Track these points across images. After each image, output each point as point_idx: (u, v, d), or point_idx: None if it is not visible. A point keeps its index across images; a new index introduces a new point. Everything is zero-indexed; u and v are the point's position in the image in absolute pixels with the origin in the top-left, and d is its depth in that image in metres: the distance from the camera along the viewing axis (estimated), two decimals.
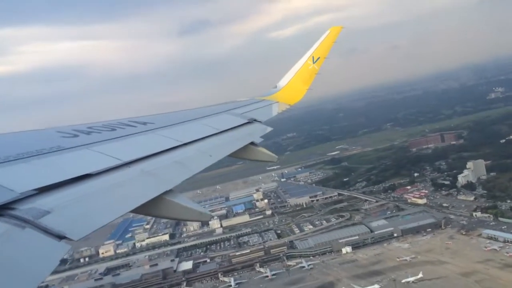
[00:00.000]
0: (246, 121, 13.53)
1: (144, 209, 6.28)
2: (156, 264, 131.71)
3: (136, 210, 6.13)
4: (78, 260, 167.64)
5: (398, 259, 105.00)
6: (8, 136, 7.49)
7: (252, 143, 11.87)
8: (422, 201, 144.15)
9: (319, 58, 20.91)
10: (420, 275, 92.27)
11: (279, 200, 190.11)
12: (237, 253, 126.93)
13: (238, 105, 16.69)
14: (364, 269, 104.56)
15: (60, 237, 4.46)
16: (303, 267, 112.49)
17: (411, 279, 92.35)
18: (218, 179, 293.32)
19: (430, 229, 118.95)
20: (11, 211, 4.58)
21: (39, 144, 6.90)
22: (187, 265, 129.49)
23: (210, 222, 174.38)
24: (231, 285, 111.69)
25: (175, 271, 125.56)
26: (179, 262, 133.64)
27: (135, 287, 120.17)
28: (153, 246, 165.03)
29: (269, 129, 13.85)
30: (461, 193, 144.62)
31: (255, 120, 14.07)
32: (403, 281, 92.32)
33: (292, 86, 20.96)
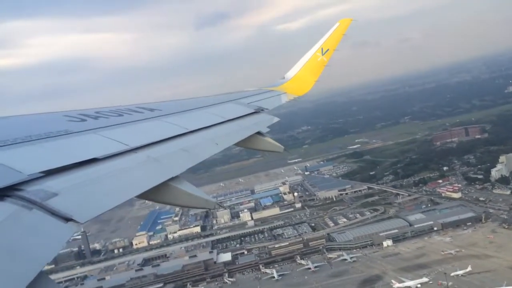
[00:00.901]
0: (253, 110, 13.51)
1: (150, 195, 6.44)
2: (195, 256, 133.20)
3: (142, 196, 6.29)
4: (112, 251, 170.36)
5: (442, 253, 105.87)
6: (17, 119, 7.53)
7: (258, 133, 11.90)
8: (457, 195, 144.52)
9: (328, 50, 20.87)
10: (469, 268, 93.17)
11: (307, 193, 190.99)
12: (276, 245, 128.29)
13: (245, 94, 16.67)
14: (409, 262, 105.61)
15: (67, 219, 4.59)
16: (345, 259, 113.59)
17: (460, 272, 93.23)
18: (239, 172, 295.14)
19: (470, 223, 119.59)
20: (18, 192, 4.66)
21: (47, 127, 6.97)
22: (226, 256, 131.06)
23: (240, 215, 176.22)
24: (274, 277, 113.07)
25: (215, 262, 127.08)
26: (217, 253, 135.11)
27: (177, 278, 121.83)
28: (186, 238, 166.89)
29: (276, 119, 13.86)
30: (495, 187, 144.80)
31: (262, 110, 14.10)
32: (452, 274, 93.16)
33: (300, 77, 20.90)
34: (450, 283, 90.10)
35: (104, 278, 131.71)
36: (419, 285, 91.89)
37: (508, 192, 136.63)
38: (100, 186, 5.71)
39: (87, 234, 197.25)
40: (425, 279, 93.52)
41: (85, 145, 6.89)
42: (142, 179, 6.47)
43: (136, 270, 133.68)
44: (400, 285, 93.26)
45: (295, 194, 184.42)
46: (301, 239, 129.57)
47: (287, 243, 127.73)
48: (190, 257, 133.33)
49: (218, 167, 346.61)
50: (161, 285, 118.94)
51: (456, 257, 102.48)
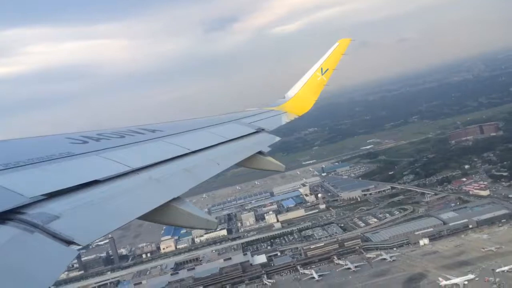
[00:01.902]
0: (254, 130, 13.59)
1: (152, 216, 6.45)
2: (230, 258, 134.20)
3: (144, 217, 6.27)
4: (140, 255, 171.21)
5: (483, 250, 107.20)
6: (19, 142, 7.54)
7: (259, 152, 11.98)
8: (485, 192, 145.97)
9: (327, 69, 21.14)
10: None
11: (329, 194, 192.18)
12: (312, 246, 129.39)
13: (246, 114, 16.80)
14: (450, 260, 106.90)
15: (68, 242, 4.60)
16: (385, 259, 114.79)
17: (505, 268, 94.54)
18: (253, 175, 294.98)
19: (504, 220, 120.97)
20: (20, 216, 4.65)
21: (49, 150, 6.96)
22: (261, 258, 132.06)
23: (265, 217, 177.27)
24: (313, 277, 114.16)
25: (251, 264, 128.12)
26: (252, 256, 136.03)
27: (215, 280, 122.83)
28: (214, 241, 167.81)
29: (277, 138, 13.94)
30: None
31: (263, 129, 14.12)
32: (497, 270, 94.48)
33: (301, 97, 21.13)
34: (497, 279, 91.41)
35: (140, 283, 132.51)
36: (466, 282, 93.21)
37: None
38: (101, 208, 5.74)
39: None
40: (471, 276, 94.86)
41: (87, 167, 6.92)
42: (144, 201, 6.53)
43: (171, 274, 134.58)
44: (447, 282, 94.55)
45: (319, 195, 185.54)
46: (336, 239, 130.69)
47: (323, 244, 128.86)
48: (224, 260, 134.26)
49: (230, 171, 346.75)
50: None
51: (497, 253, 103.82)
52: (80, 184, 5.98)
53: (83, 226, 5.18)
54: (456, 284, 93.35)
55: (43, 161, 6.42)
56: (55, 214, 4.99)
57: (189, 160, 8.87)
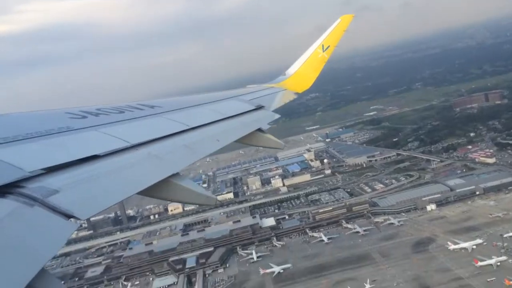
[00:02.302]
0: (254, 107, 13.60)
1: (151, 191, 6.45)
2: (239, 221, 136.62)
3: (142, 192, 6.28)
4: (148, 217, 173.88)
5: (490, 216, 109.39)
6: (18, 116, 7.55)
7: (259, 130, 12.00)
8: (491, 160, 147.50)
9: (329, 46, 20.85)
10: None
11: (334, 160, 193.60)
12: (320, 210, 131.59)
13: (246, 91, 16.76)
14: (458, 225, 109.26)
15: (68, 215, 4.64)
16: (392, 223, 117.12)
17: None
18: None
19: (511, 187, 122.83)
20: (20, 189, 4.67)
21: (48, 124, 6.98)
22: (270, 221, 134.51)
23: (272, 181, 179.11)
24: (323, 240, 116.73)
25: (260, 227, 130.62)
26: (260, 219, 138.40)
27: (226, 242, 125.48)
28: (221, 205, 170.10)
29: (276, 116, 13.96)
30: None
31: (262, 107, 14.10)
32: (505, 235, 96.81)
33: (301, 74, 20.98)
34: (505, 244, 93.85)
35: (151, 243, 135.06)
36: (474, 247, 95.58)
37: None
38: (101, 183, 5.77)
39: None
40: (479, 241, 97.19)
41: (86, 142, 6.92)
42: (143, 176, 6.54)
43: (182, 235, 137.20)
44: (456, 246, 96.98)
45: (325, 161, 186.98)
46: (344, 204, 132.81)
47: (331, 208, 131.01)
48: (234, 222, 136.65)
49: None
50: (211, 249, 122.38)
51: (504, 219, 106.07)
52: (80, 159, 6.01)
53: (82, 200, 5.21)
54: (465, 248, 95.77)
55: (42, 136, 6.42)
56: (55, 188, 5.01)
57: (188, 136, 8.93)
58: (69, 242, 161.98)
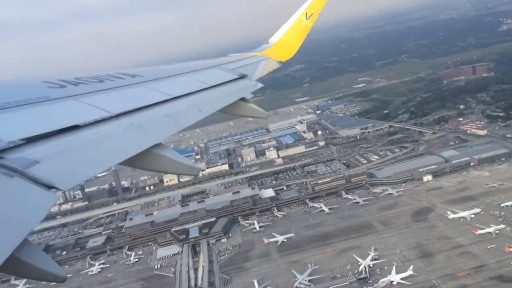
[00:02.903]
0: (237, 76, 13.51)
1: (134, 161, 6.45)
2: (238, 192, 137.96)
3: (125, 163, 6.28)
4: (143, 188, 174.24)
5: (486, 186, 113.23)
6: None
7: (242, 99, 11.98)
8: (483, 132, 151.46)
9: (312, 14, 20.51)
10: None
11: (327, 131, 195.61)
12: (319, 181, 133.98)
13: (229, 60, 16.66)
14: (455, 195, 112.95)
15: (49, 186, 4.60)
16: (391, 194, 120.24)
17: (508, 203, 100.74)
18: None
19: (504, 158, 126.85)
20: None
21: (26, 94, 6.82)
22: (269, 192, 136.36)
23: (266, 153, 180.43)
24: (323, 210, 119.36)
25: (260, 198, 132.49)
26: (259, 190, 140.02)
27: (227, 212, 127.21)
28: (217, 176, 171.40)
29: (259, 85, 13.96)
30: None
31: (245, 76, 13.98)
32: (502, 205, 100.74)
33: (284, 42, 20.65)
34: (502, 213, 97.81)
35: (151, 214, 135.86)
36: (472, 216, 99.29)
37: None
38: (82, 154, 5.70)
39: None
40: (477, 210, 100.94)
41: (66, 112, 6.85)
42: (125, 147, 6.51)
43: (182, 206, 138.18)
44: (455, 215, 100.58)
45: (319, 132, 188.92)
46: (342, 175, 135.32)
47: (330, 179, 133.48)
48: (233, 193, 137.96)
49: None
50: (213, 219, 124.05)
51: (500, 189, 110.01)
52: (60, 129, 5.94)
53: (63, 171, 5.15)
54: (464, 218, 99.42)
55: (20, 106, 6.28)
56: (35, 159, 4.94)
57: (170, 106, 8.90)
58: (65, 213, 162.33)
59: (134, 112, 7.73)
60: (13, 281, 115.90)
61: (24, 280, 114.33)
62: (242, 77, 13.87)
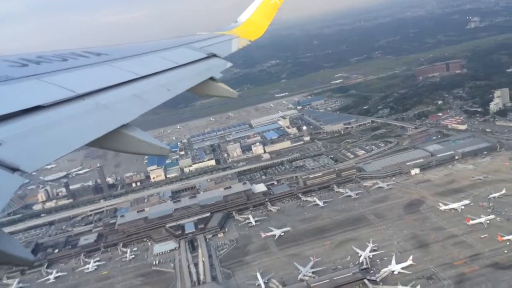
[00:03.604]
0: (206, 55, 13.35)
1: (102, 142, 6.34)
2: (230, 187, 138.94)
3: (93, 144, 6.16)
4: (130, 184, 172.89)
5: (472, 178, 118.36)
6: None
7: (211, 78, 11.90)
8: (463, 127, 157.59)
9: None
10: (504, 191, 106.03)
11: (311, 127, 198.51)
12: (311, 176, 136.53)
13: (197, 39, 16.35)
14: (443, 188, 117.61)
15: (13, 169, 4.54)
16: (381, 187, 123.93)
17: (496, 194, 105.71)
18: (224, 106, 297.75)
19: (486, 152, 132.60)
20: None
21: None
22: (261, 187, 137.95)
23: (252, 148, 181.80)
24: (318, 204, 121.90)
25: (253, 192, 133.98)
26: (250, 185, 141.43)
27: (221, 207, 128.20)
28: (204, 171, 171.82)
29: (229, 64, 13.86)
30: (496, 119, 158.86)
31: (214, 55, 13.86)
32: (489, 196, 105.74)
33: (253, 21, 20.30)
34: (491, 204, 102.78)
35: (143, 210, 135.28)
36: (463, 207, 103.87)
37: (511, 124, 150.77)
38: (47, 135, 5.54)
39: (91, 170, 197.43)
40: (467, 201, 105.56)
41: (28, 92, 6.61)
42: (91, 127, 6.37)
43: (174, 202, 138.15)
44: (446, 207, 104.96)
45: (304, 128, 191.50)
46: (333, 169, 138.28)
47: (321, 174, 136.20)
48: (225, 188, 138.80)
49: (199, 101, 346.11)
50: (208, 214, 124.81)
51: (485, 182, 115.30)
52: (22, 110, 5.78)
53: (28, 153, 5.02)
54: (454, 209, 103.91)
55: None
56: None
57: (138, 85, 8.77)
58: (50, 211, 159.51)
59: (100, 92, 7.58)
60: (5, 281, 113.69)
61: (17, 279, 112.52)
62: (211, 56, 13.69)
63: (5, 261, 4.46)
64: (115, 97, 7.77)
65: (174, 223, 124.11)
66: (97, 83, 7.90)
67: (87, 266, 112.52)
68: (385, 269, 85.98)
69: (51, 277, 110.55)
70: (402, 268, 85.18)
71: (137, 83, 8.93)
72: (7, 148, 4.79)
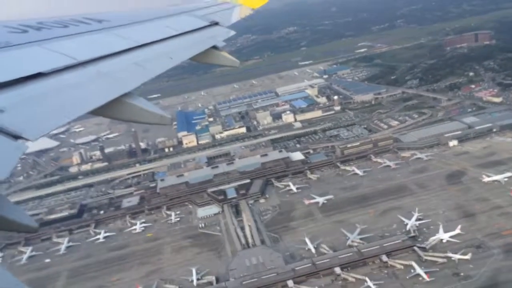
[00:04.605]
0: (208, 23, 13.17)
1: (103, 111, 6.33)
2: (266, 155, 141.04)
3: (94, 112, 6.16)
4: (162, 150, 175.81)
5: None
6: None
7: (214, 47, 11.78)
8: (498, 99, 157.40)
9: None
10: None
11: (340, 96, 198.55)
12: (348, 145, 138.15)
13: (199, 6, 16.11)
14: (483, 160, 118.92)
15: (16, 136, 4.51)
16: (420, 158, 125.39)
17: None
18: (245, 74, 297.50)
19: None
20: None
21: None
22: (298, 155, 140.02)
23: (283, 116, 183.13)
24: (357, 173, 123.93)
25: (291, 160, 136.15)
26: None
27: (260, 174, 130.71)
28: (236, 138, 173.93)
29: (232, 32, 13.71)
30: None
31: (217, 23, 13.68)
32: None
33: None
34: None
35: (182, 175, 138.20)
36: (506, 179, 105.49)
37: None
38: (49, 102, 5.54)
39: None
40: (509, 174, 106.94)
41: (29, 59, 6.57)
42: (93, 95, 6.36)
43: (212, 168, 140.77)
44: (489, 179, 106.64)
45: (335, 97, 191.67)
46: (370, 139, 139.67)
47: (358, 143, 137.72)
48: (261, 156, 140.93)
49: (218, 68, 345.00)
50: (248, 180, 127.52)
51: None
52: (23, 77, 5.75)
53: (30, 120, 5.01)
54: (497, 181, 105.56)
55: None
56: None
57: (139, 53, 8.72)
58: (87, 174, 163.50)
59: (101, 60, 7.56)
60: (55, 239, 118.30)
61: (67, 238, 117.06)
62: (213, 24, 13.53)
63: (10, 227, 4.57)
64: (116, 65, 7.73)
65: (215, 188, 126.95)
66: (98, 51, 7.82)
67: (134, 227, 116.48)
68: (434, 237, 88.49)
69: (101, 236, 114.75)
70: (450, 237, 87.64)
71: (138, 51, 8.86)
72: (9, 115, 4.76)
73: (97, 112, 6.34)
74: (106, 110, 6.52)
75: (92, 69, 7.04)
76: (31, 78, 5.82)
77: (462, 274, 78.69)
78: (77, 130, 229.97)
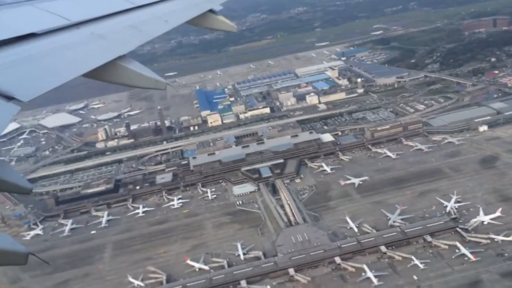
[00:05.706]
0: None
1: (97, 74, 6.24)
2: (297, 135, 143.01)
3: (88, 74, 6.11)
4: (188, 128, 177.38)
5: None
6: None
7: (211, 11, 11.52)
8: None
9: None
10: None
11: (362, 79, 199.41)
12: (378, 128, 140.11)
13: None
14: None
15: (8, 97, 4.45)
16: (451, 142, 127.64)
17: None
18: (260, 53, 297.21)
19: None
20: None
21: None
22: (328, 136, 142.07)
23: (307, 98, 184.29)
24: (389, 156, 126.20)
25: (322, 142, 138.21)
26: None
27: (293, 155, 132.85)
28: (261, 118, 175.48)
29: None
30: None
31: None
32: None
33: None
34: None
35: (214, 153, 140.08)
36: None
37: None
38: (42, 64, 5.42)
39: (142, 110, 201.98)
40: None
41: (21, 19, 6.40)
42: (87, 57, 6.25)
43: (242, 147, 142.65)
44: None
45: (358, 80, 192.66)
46: (399, 122, 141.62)
47: (388, 126, 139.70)
48: (292, 136, 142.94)
49: (231, 47, 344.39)
50: (281, 160, 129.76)
51: None
52: (15, 37, 5.62)
53: (23, 81, 4.91)
54: None
55: None
56: None
57: (134, 15, 8.49)
58: (114, 150, 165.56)
59: (95, 21, 7.40)
60: (94, 213, 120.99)
61: (106, 212, 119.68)
62: None
63: (5, 189, 4.60)
64: (111, 27, 7.51)
65: (248, 167, 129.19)
66: (92, 12, 7.61)
67: (172, 203, 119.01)
68: (475, 220, 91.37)
69: (140, 211, 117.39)
70: (491, 219, 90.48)
71: (134, 13, 8.66)
72: (1, 76, 4.69)
73: (91, 75, 6.23)
74: (101, 73, 6.39)
75: (86, 30, 6.87)
76: (23, 38, 5.69)
77: (506, 254, 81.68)
78: (96, 106, 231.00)
